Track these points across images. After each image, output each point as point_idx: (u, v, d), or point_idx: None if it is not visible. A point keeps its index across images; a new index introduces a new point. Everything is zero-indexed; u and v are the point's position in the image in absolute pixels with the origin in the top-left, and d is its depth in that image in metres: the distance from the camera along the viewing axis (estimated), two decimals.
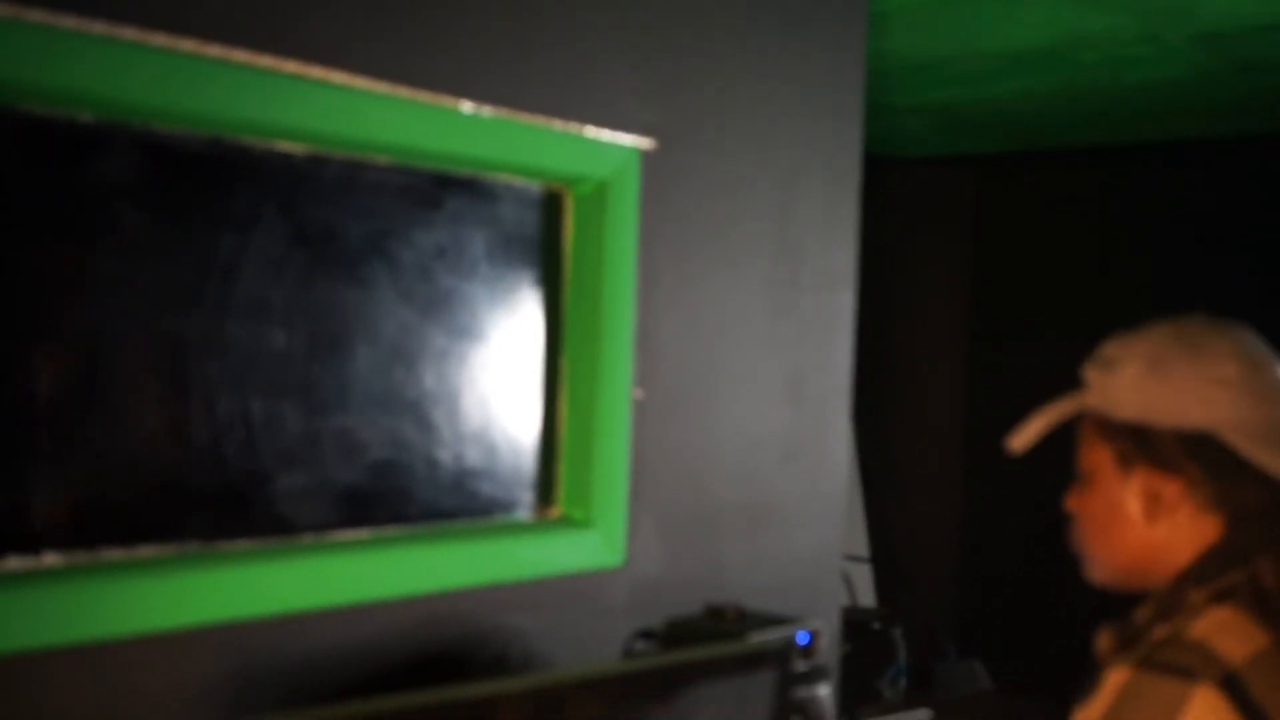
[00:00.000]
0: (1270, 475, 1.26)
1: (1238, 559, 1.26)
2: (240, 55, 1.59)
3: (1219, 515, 1.29)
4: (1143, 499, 1.32)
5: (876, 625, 2.94)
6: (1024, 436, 1.39)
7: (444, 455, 1.93)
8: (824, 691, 1.88)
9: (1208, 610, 1.23)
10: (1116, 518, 1.35)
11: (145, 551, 1.59)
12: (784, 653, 1.79)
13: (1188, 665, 1.16)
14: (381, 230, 1.84)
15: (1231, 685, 1.15)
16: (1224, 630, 1.20)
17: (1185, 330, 1.34)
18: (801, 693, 1.84)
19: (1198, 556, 1.29)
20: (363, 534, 1.82)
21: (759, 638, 1.85)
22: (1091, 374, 1.38)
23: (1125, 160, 4.92)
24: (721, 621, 1.95)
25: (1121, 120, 4.37)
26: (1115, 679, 1.19)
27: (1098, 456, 1.37)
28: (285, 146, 1.71)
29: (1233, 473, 1.27)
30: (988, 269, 5.36)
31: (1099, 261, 5.02)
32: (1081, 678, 1.25)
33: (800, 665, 1.84)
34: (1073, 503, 1.41)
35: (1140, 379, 1.32)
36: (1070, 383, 1.43)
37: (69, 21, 1.43)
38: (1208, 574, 1.27)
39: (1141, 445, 1.31)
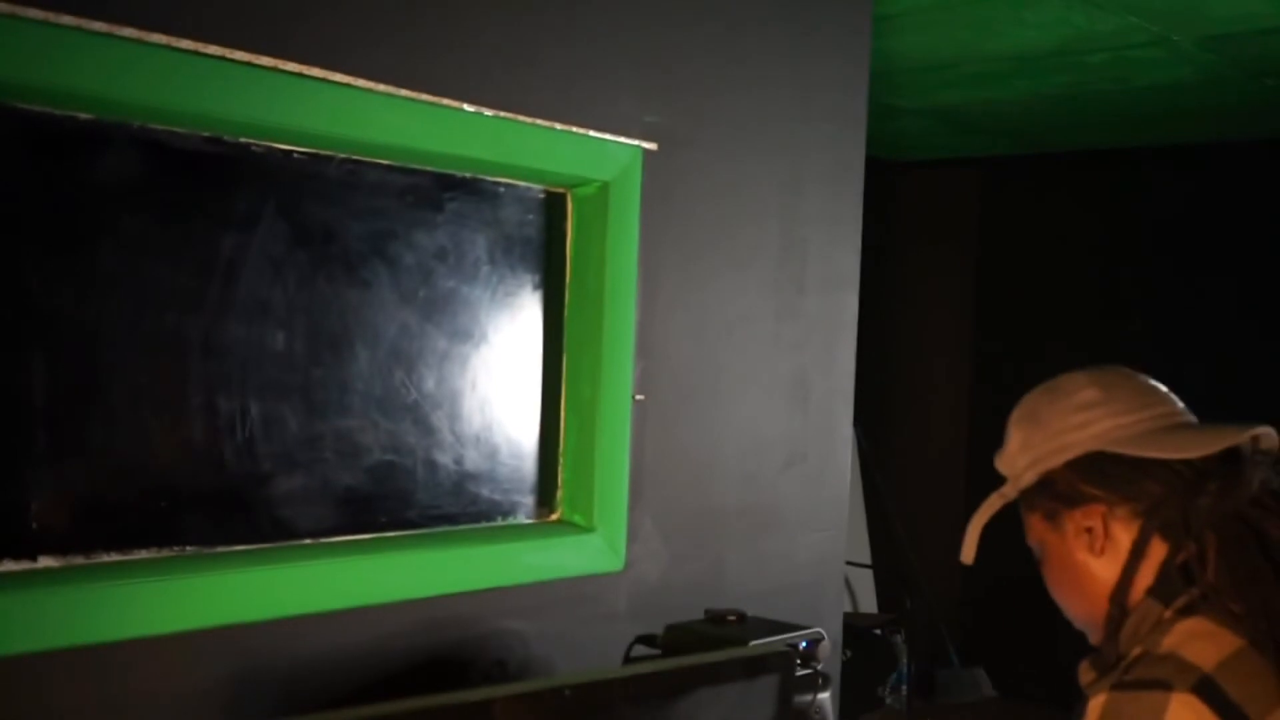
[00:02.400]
0: (1160, 462, 1.31)
1: (1171, 562, 1.28)
2: (239, 55, 1.58)
3: (1141, 519, 1.33)
4: (1083, 540, 1.36)
5: (878, 631, 2.93)
6: (968, 550, 1.45)
7: (444, 458, 1.92)
8: (825, 698, 1.86)
9: (1176, 624, 1.25)
10: (1078, 571, 1.38)
11: (142, 555, 1.58)
12: (785, 659, 1.77)
13: (1161, 677, 1.18)
14: (383, 231, 1.83)
15: (1207, 689, 1.16)
16: (1193, 638, 1.22)
17: (1046, 383, 1.43)
18: (803, 699, 1.82)
19: (1128, 562, 1.32)
20: (362, 538, 1.81)
21: (760, 643, 1.84)
22: (998, 464, 1.45)
23: (1131, 163, 4.91)
24: (722, 627, 1.94)
25: (1128, 123, 4.36)
26: (1095, 705, 1.21)
27: (1036, 529, 1.42)
28: (286, 146, 1.70)
29: (1129, 475, 1.32)
30: (992, 272, 5.35)
31: (1105, 265, 5.00)
32: (1076, 699, 1.26)
33: (801, 671, 1.83)
34: (1049, 586, 1.44)
35: (1023, 439, 1.40)
36: None
37: (68, 20, 1.42)
38: (1139, 572, 1.30)
39: (1052, 495, 1.37)
